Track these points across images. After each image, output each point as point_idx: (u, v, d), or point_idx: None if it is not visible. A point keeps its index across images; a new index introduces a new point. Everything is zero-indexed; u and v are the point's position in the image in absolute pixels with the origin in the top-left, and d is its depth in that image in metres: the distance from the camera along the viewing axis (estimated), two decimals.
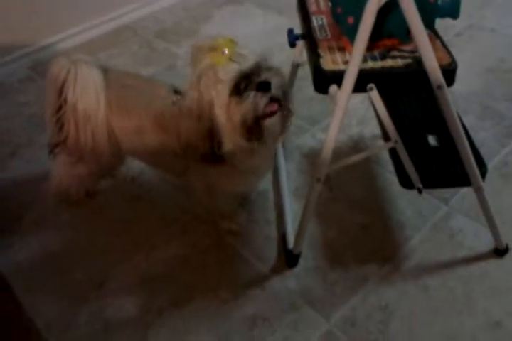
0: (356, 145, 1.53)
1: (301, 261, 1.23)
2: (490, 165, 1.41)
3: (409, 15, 0.82)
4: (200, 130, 0.98)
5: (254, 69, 0.94)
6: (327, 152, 0.99)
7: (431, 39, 0.97)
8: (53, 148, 1.27)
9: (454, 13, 0.97)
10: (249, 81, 0.93)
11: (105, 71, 1.20)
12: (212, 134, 0.98)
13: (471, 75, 1.77)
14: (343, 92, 0.91)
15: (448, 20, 0.97)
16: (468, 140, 1.02)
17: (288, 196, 1.38)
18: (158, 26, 2.22)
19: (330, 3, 1.04)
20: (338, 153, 1.43)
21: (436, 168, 1.07)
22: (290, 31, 1.10)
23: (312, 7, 1.11)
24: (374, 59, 0.95)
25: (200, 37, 2.09)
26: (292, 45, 1.09)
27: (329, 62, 0.95)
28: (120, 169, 1.46)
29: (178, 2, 2.36)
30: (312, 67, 0.97)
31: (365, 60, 0.94)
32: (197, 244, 1.31)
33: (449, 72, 0.93)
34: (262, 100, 0.94)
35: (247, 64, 0.94)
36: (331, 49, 0.99)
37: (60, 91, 1.15)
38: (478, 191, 1.06)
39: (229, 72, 0.93)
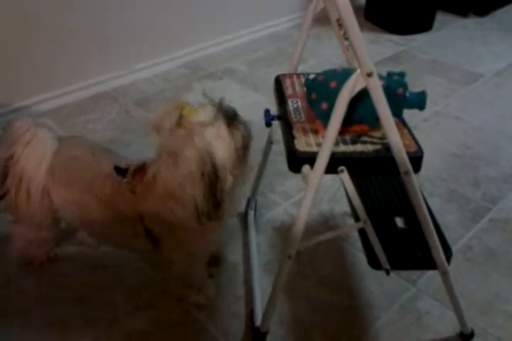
0: (327, 221, 1.56)
1: (269, 339, 1.20)
2: (455, 249, 1.44)
3: (379, 106, 0.88)
4: (205, 188, 0.98)
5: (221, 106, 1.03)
6: (298, 230, 1.01)
7: (399, 127, 1.03)
8: None
9: (420, 105, 1.04)
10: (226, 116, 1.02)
11: (59, 139, 1.24)
12: (215, 188, 0.99)
13: (438, 160, 1.85)
14: (315, 173, 0.95)
15: None
16: (434, 224, 1.05)
17: (257, 271, 1.37)
18: (138, 95, 2.29)
19: (305, 89, 1.10)
20: (308, 229, 1.44)
21: (404, 250, 1.09)
22: (267, 112, 1.16)
23: (288, 91, 1.18)
24: (345, 143, 1.00)
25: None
26: (268, 124, 1.14)
27: (303, 143, 1.00)
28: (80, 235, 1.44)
29: (160, 73, 2.46)
30: (286, 147, 1.01)
31: (337, 143, 0.98)
32: (161, 318, 1.27)
33: (416, 159, 0.97)
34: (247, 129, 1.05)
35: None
36: (304, 131, 1.03)
37: (12, 145, 1.18)
38: (444, 275, 1.08)
39: (209, 113, 1.00)
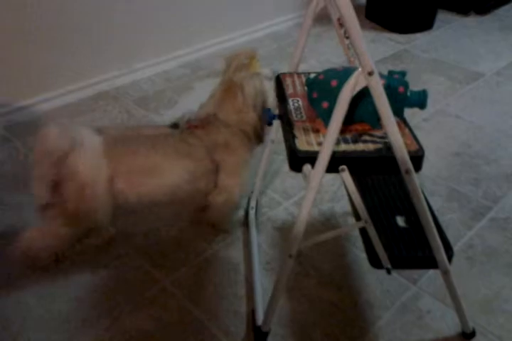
0: (327, 220, 1.56)
1: (270, 338, 1.20)
2: (456, 248, 1.45)
3: (380, 105, 0.88)
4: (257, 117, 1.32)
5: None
6: (299, 229, 1.01)
7: (400, 126, 1.03)
8: (42, 209, 1.24)
9: (421, 103, 1.04)
10: None
11: (99, 131, 1.23)
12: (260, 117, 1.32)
13: (439, 159, 1.85)
14: (316, 172, 0.94)
15: None
16: (435, 223, 1.05)
17: (258, 270, 1.37)
18: (139, 94, 2.29)
19: (306, 88, 1.10)
20: (309, 228, 1.45)
21: (405, 249, 1.09)
22: (267, 111, 1.16)
23: (289, 90, 1.17)
24: (346, 142, 1.00)
25: (179, 107, 2.16)
26: (269, 123, 1.14)
27: (304, 142, 1.00)
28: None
29: (161, 72, 2.46)
30: (287, 147, 1.01)
31: (338, 142, 0.99)
32: (162, 317, 1.27)
33: (417, 158, 0.97)
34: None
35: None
36: (305, 130, 1.03)
37: (60, 159, 1.15)
38: (445, 274, 1.08)
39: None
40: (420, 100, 1.04)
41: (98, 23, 2.16)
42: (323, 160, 0.93)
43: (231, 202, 1.41)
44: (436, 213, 1.16)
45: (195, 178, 1.30)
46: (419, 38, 2.86)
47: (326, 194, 1.67)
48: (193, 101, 1.43)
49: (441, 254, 1.04)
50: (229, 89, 1.33)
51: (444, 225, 1.48)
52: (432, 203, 1.48)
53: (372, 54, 2.58)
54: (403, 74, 1.07)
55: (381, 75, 1.05)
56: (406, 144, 0.97)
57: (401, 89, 1.02)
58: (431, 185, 1.70)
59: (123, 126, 1.31)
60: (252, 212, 1.53)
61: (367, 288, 1.34)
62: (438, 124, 2.06)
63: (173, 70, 2.49)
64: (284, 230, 1.52)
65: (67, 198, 1.19)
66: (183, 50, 2.56)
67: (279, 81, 1.21)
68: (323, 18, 1.19)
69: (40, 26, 1.99)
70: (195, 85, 2.35)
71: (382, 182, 1.30)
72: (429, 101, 1.03)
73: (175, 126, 1.32)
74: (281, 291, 1.10)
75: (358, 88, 0.87)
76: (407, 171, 0.95)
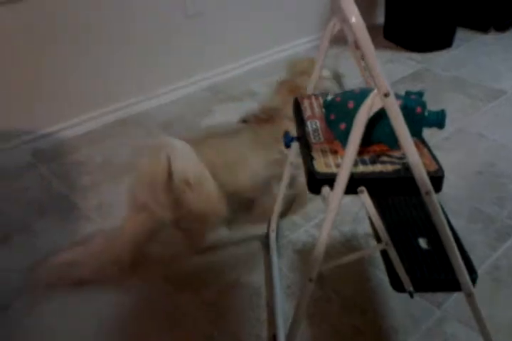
0: (349, 242, 1.54)
1: None
2: (481, 270, 1.41)
3: (397, 126, 0.87)
4: None
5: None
6: (319, 252, 1.00)
7: (418, 147, 1.03)
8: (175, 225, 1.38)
9: (439, 123, 1.03)
10: None
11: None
12: None
13: (461, 178, 1.82)
14: (335, 194, 0.94)
15: None
16: (458, 244, 1.03)
17: (280, 294, 1.35)
18: (161, 118, 2.32)
19: (324, 110, 1.11)
20: (330, 251, 1.44)
21: (428, 271, 1.07)
22: (286, 133, 1.16)
23: (307, 112, 1.18)
24: (364, 163, 0.99)
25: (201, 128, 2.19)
26: (287, 146, 1.15)
27: (322, 164, 0.99)
28: None
29: (181, 97, 2.50)
30: (306, 169, 1.00)
31: (356, 164, 0.98)
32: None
33: (437, 179, 0.96)
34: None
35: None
36: (323, 152, 1.03)
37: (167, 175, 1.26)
38: (469, 297, 1.05)
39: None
40: (438, 120, 1.04)
41: (119, 49, 2.22)
42: (341, 181, 0.93)
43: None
44: (459, 234, 1.14)
45: (269, 164, 1.46)
46: (439, 57, 2.86)
47: (348, 215, 1.65)
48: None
49: (464, 277, 1.02)
50: (294, 89, 1.53)
51: (468, 246, 1.44)
52: (454, 224, 1.45)
53: (392, 74, 2.59)
54: (421, 94, 1.07)
55: (398, 96, 1.05)
56: (425, 164, 0.96)
57: (418, 109, 1.01)
58: (453, 205, 1.67)
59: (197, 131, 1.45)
60: (272, 235, 1.53)
61: (391, 312, 1.31)
62: (459, 143, 2.03)
63: (195, 94, 2.53)
64: (305, 253, 1.50)
65: (188, 207, 1.30)
66: (204, 74, 2.60)
67: (297, 103, 1.22)
68: (340, 39, 1.20)
69: (62, 53, 2.05)
70: (215, 108, 2.37)
71: (403, 203, 1.29)
72: (450, 120, 1.02)
73: (244, 121, 1.52)
74: (302, 316, 1.09)
75: (375, 109, 0.87)
76: (427, 192, 0.93)
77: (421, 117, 1.02)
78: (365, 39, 0.80)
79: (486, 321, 1.08)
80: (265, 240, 1.55)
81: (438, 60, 2.82)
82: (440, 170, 0.98)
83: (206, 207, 1.33)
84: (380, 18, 3.16)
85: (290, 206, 1.68)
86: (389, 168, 0.98)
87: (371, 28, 2.88)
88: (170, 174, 1.26)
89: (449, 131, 2.09)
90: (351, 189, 0.95)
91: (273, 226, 1.53)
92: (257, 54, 2.80)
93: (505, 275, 1.41)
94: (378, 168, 0.99)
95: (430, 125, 1.04)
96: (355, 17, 0.80)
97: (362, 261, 1.47)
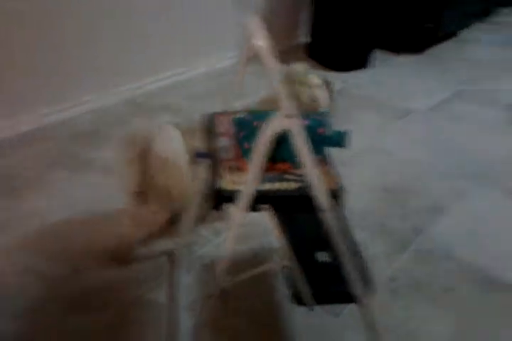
0: (257, 257, 1.56)
1: None
2: (381, 281, 1.49)
3: (298, 146, 0.91)
4: None
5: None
6: (221, 268, 1.02)
7: (321, 164, 1.08)
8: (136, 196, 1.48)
9: (341, 143, 1.09)
10: None
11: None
12: None
13: (368, 194, 1.92)
14: (238, 212, 0.97)
15: None
16: (357, 257, 1.09)
17: (184, 311, 1.35)
18: (74, 130, 2.27)
19: (234, 127, 1.14)
20: (239, 264, 1.46)
21: (327, 284, 1.12)
22: (197, 149, 1.17)
23: (220, 128, 1.20)
24: (271, 181, 1.03)
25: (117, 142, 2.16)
26: (196, 162, 1.16)
27: (229, 181, 1.02)
28: None
29: (96, 109, 2.44)
30: (211, 186, 1.02)
31: (263, 181, 1.02)
32: None
33: (336, 196, 1.01)
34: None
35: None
36: (232, 169, 1.06)
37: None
38: (364, 309, 1.11)
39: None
40: (340, 140, 1.09)
41: (29, 56, 2.14)
42: (244, 199, 0.96)
43: None
44: (363, 247, 1.20)
45: None
46: (355, 76, 2.99)
47: (257, 228, 1.67)
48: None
49: (359, 289, 1.08)
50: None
51: (370, 259, 1.52)
52: (359, 237, 1.52)
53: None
54: (325, 115, 1.13)
55: (304, 116, 1.10)
56: (326, 182, 1.02)
57: (321, 130, 1.07)
58: (359, 220, 1.75)
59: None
60: (181, 250, 1.52)
61: (294, 325, 1.35)
62: (369, 160, 2.13)
63: (109, 107, 2.48)
64: (213, 268, 1.51)
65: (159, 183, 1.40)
66: (121, 87, 2.55)
67: (210, 119, 1.24)
68: None
69: None
70: (132, 120, 2.35)
71: (312, 217, 1.34)
72: (361, 138, 1.08)
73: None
74: (201, 331, 1.09)
75: (278, 130, 0.91)
76: (325, 209, 0.98)
77: (323, 137, 1.07)
78: (269, 62, 0.84)
79: (381, 332, 1.14)
80: (174, 255, 1.54)
81: (354, 79, 2.95)
82: (340, 188, 1.03)
83: (174, 187, 1.46)
84: (304, 37, 3.28)
85: (201, 221, 1.68)
86: (292, 185, 1.03)
87: (297, 47, 3.00)
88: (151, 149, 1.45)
89: (359, 147, 2.18)
90: (255, 206, 0.99)
91: (182, 241, 1.53)
92: (178, 68, 2.79)
93: (403, 286, 1.49)
94: (283, 185, 1.03)
95: (332, 145, 1.10)
96: (261, 41, 0.84)
97: (268, 275, 1.50)
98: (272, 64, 0.83)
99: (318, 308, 1.35)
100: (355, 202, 1.82)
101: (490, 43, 3.60)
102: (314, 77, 1.76)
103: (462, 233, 1.72)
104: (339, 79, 2.92)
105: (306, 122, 1.07)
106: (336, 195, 1.01)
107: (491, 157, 2.19)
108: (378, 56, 3.23)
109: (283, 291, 1.45)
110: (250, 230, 1.64)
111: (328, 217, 0.99)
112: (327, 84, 1.86)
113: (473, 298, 1.47)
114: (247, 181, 0.94)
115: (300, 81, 1.73)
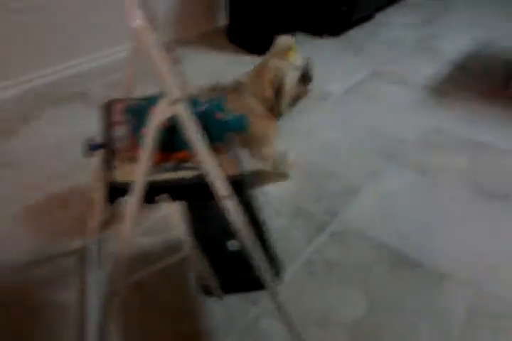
0: (167, 249, 1.49)
1: None
2: (298, 264, 1.49)
3: (188, 132, 0.88)
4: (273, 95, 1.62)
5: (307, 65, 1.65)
6: (121, 264, 0.97)
7: (220, 151, 1.05)
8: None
9: (241, 127, 1.07)
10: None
11: None
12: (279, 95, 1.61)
13: None
14: (132, 204, 0.92)
15: None
16: (266, 243, 1.08)
17: (94, 310, 1.30)
18: None
19: (128, 115, 1.08)
20: (152, 257, 1.42)
21: (233, 273, 1.10)
22: (89, 140, 1.10)
23: (116, 117, 1.14)
24: (168, 170, 0.99)
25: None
26: (90, 154, 1.09)
27: (123, 173, 0.97)
28: None
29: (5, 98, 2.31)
30: (105, 178, 0.97)
31: (159, 171, 0.97)
32: None
33: (237, 183, 0.98)
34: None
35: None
36: (128, 159, 1.01)
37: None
38: (273, 296, 1.10)
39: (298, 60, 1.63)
40: (240, 124, 1.07)
41: None
42: (138, 190, 0.91)
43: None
44: (281, 231, 1.18)
45: None
46: None
47: (168, 218, 1.63)
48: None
49: (267, 276, 1.06)
50: (262, 69, 1.63)
51: (287, 242, 1.53)
52: (277, 222, 1.52)
53: (234, 76, 2.63)
54: (222, 100, 1.09)
55: (201, 102, 1.06)
56: (225, 168, 0.99)
57: (218, 115, 1.04)
58: (277, 205, 1.74)
59: None
60: (93, 248, 1.46)
61: (209, 315, 1.33)
62: (287, 142, 2.12)
63: (17, 96, 2.33)
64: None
65: None
66: (28, 75, 2.40)
67: (106, 107, 1.18)
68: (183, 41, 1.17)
69: None
70: (40, 112, 2.22)
71: (216, 206, 1.31)
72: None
73: (213, 89, 1.63)
74: (111, 331, 1.04)
75: (166, 116, 0.87)
76: (225, 197, 0.95)
77: (222, 122, 1.04)
78: (150, 43, 0.79)
79: (290, 315, 1.13)
80: (84, 253, 1.47)
81: None
82: (240, 174, 1.01)
83: None
84: (224, 21, 3.21)
85: (113, 215, 1.61)
86: (191, 174, 0.99)
87: (215, 31, 2.92)
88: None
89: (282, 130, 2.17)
90: (152, 197, 0.94)
91: (93, 238, 1.46)
92: (93, 53, 2.66)
93: (318, 268, 1.50)
94: (181, 174, 0.99)
95: (232, 129, 1.07)
96: (138, 21, 0.78)
97: (181, 266, 1.44)
98: (152, 44, 0.78)
99: (236, 297, 1.35)
100: (271, 187, 1.82)
101: (405, 25, 3.69)
102: (298, 58, 1.65)
103: (375, 213, 1.76)
104: (257, 62, 2.90)
105: (203, 108, 1.04)
106: (236, 181, 0.98)
107: (402, 136, 2.25)
108: (302, 39, 3.23)
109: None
110: (161, 222, 1.60)
111: (229, 205, 0.96)
112: (308, 66, 1.71)
113: (382, 275, 1.51)
114: (137, 171, 0.89)
115: (283, 57, 1.63)
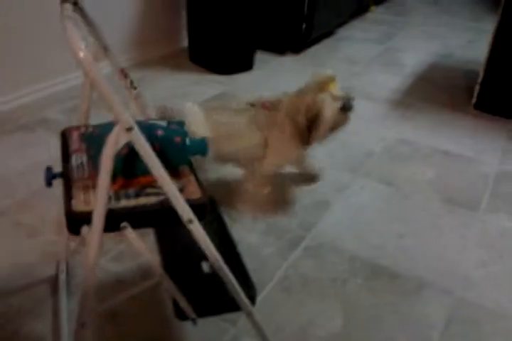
0: (139, 275, 1.49)
1: None
2: (273, 281, 1.48)
3: (146, 158, 0.87)
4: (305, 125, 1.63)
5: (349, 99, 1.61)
6: (88, 295, 0.95)
7: (185, 175, 1.04)
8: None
9: (202, 151, 1.06)
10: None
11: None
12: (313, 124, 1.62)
13: None
14: (93, 233, 0.90)
15: None
16: (238, 264, 1.06)
17: (67, 339, 1.26)
18: None
19: (84, 143, 1.07)
20: (127, 284, 1.39)
21: (208, 296, 1.09)
22: (48, 169, 1.08)
23: (74, 145, 1.12)
24: (128, 197, 0.97)
25: None
26: (49, 184, 1.07)
27: (81, 202, 0.95)
28: None
29: None
30: (64, 208, 0.95)
31: (118, 198, 0.96)
32: None
33: (199, 206, 0.97)
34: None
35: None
36: (86, 188, 0.99)
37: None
38: (249, 316, 1.08)
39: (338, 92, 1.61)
40: (200, 148, 1.06)
41: None
42: (97, 220, 0.89)
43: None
44: (254, 248, 1.17)
45: (258, 145, 1.67)
46: (241, 78, 2.99)
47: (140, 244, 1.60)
48: None
49: (240, 297, 1.05)
50: (303, 95, 1.65)
51: (260, 260, 1.53)
52: (249, 239, 1.51)
53: (197, 96, 2.63)
54: (181, 124, 1.09)
55: (159, 126, 1.05)
56: (189, 192, 0.98)
57: (177, 139, 1.03)
58: (249, 222, 1.73)
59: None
60: (62, 276, 1.42)
61: (187, 338, 1.30)
62: None
63: None
64: (99, 290, 1.42)
65: None
66: None
67: (64, 135, 1.16)
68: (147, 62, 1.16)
69: None
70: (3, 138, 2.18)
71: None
72: None
73: (252, 104, 1.70)
74: None
75: (122, 143, 0.86)
76: (190, 220, 0.94)
77: (181, 146, 1.03)
78: (95, 74, 0.78)
79: (274, 332, 1.11)
80: (53, 283, 1.43)
81: (240, 81, 2.95)
82: (203, 197, 1.00)
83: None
84: (186, 41, 3.23)
85: (83, 243, 1.58)
86: (152, 199, 0.97)
87: (177, 51, 2.92)
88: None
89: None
90: (114, 225, 0.93)
91: (62, 266, 1.43)
92: (54, 79, 2.64)
93: (294, 283, 1.49)
94: (142, 200, 0.97)
95: (193, 153, 1.06)
96: (82, 52, 0.77)
97: (155, 292, 1.42)
98: (97, 75, 0.77)
99: (213, 318, 1.32)
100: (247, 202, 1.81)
101: (364, 40, 3.77)
102: (340, 92, 1.62)
103: (346, 225, 1.76)
104: (219, 82, 2.92)
105: (160, 132, 1.03)
106: (197, 205, 0.97)
107: (368, 149, 2.28)
108: (262, 57, 3.26)
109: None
110: (131, 247, 1.56)
111: (194, 229, 0.95)
112: (346, 99, 1.64)
113: (358, 288, 1.50)
114: (96, 200, 0.88)
115: (323, 88, 1.62)
